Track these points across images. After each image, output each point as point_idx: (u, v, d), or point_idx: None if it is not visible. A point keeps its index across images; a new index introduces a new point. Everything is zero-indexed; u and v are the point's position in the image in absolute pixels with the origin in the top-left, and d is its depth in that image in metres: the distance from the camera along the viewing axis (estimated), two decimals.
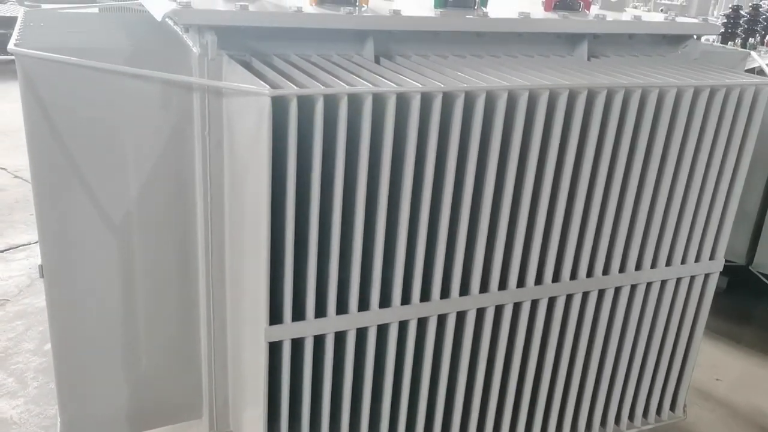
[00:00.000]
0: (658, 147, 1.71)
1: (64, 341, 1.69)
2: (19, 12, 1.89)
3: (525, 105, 1.51)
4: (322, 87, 1.33)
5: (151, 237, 1.70)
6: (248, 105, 1.38)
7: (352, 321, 1.53)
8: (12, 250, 3.59)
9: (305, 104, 1.33)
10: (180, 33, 1.67)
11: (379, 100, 1.38)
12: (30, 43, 1.48)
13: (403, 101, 1.40)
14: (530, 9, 1.94)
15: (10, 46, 1.45)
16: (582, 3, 1.96)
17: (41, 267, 1.63)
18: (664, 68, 1.82)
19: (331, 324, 1.51)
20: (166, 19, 1.49)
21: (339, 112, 1.35)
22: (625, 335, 1.94)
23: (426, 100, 1.42)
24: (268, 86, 1.29)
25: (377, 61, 1.68)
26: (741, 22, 3.54)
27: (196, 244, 1.73)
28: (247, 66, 1.50)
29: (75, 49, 1.48)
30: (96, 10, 2.69)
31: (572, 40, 1.91)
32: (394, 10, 1.63)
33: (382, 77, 1.48)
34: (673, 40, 2.04)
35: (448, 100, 1.44)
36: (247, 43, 1.59)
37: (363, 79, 1.44)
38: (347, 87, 1.35)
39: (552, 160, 1.60)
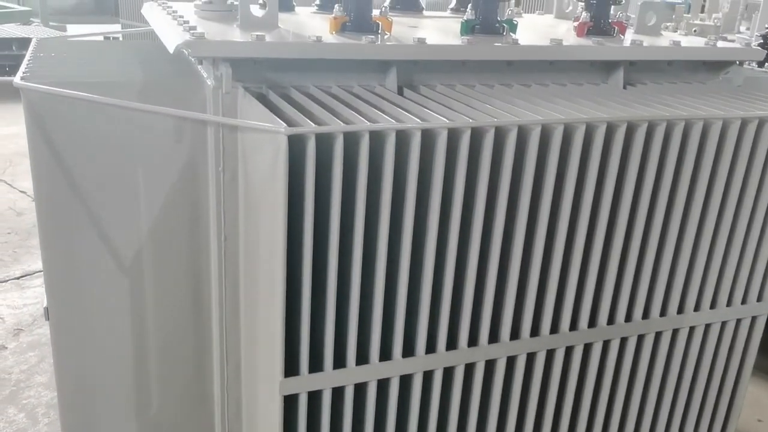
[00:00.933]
0: (702, 182, 1.59)
1: (71, 387, 1.61)
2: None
3: (560, 140, 1.40)
4: (342, 124, 1.23)
5: (163, 276, 1.61)
6: (264, 142, 1.29)
7: (373, 372, 1.42)
8: (28, 277, 3.55)
9: (324, 141, 1.24)
10: (194, 63, 1.59)
11: (402, 137, 1.29)
12: (37, 77, 1.42)
13: (428, 137, 1.30)
14: (562, 35, 1.84)
15: (16, 80, 1.38)
16: (616, 28, 1.86)
17: (47, 310, 1.55)
18: (707, 97, 1.71)
19: (351, 375, 1.40)
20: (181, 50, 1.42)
21: (360, 150, 1.26)
22: (666, 382, 1.81)
23: (453, 136, 1.32)
24: (284, 123, 1.20)
25: (400, 92, 1.59)
26: None
27: (209, 284, 1.64)
28: (264, 99, 1.42)
29: (83, 83, 1.41)
30: (117, 35, 2.64)
31: (607, 67, 1.80)
32: (418, 39, 1.54)
33: (407, 111, 1.38)
34: (713, 66, 1.93)
35: (476, 135, 1.34)
36: (264, 75, 1.51)
37: (386, 113, 1.35)
38: (369, 123, 1.25)
39: (588, 198, 1.49)
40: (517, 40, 1.63)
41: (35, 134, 1.40)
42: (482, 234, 1.42)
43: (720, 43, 1.85)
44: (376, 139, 1.27)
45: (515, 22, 1.74)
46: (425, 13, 2.18)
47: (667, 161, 1.53)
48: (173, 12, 1.71)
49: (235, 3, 1.78)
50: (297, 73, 1.53)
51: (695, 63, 1.90)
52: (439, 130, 1.30)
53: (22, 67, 1.51)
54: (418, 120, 1.29)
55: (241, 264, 1.58)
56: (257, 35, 1.42)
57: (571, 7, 2.31)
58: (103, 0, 12.86)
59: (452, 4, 2.29)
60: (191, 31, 1.38)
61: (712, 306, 1.76)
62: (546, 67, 1.75)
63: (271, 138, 1.23)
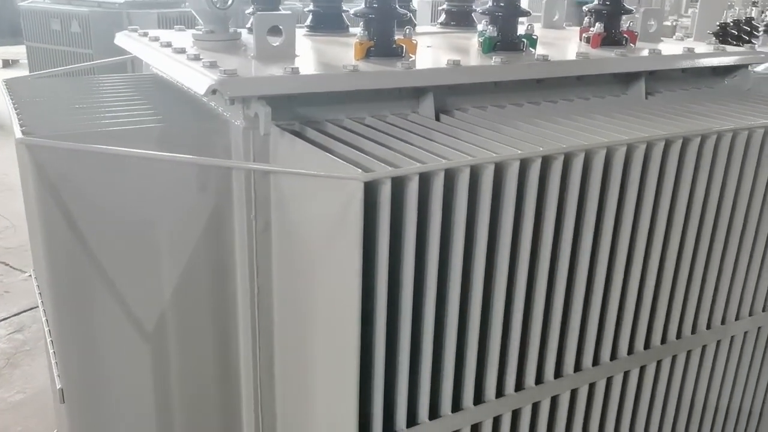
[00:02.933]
0: (744, 191, 1.57)
1: None
2: None
3: (602, 163, 1.32)
4: (418, 164, 1.12)
5: (187, 338, 1.44)
6: (323, 188, 1.16)
7: (446, 425, 1.31)
8: None
9: (395, 184, 1.12)
10: (207, 101, 1.43)
11: (474, 172, 1.18)
12: (39, 130, 1.23)
13: (498, 170, 1.21)
14: (578, 47, 1.79)
15: (19, 135, 1.19)
16: (628, 37, 1.83)
17: (61, 391, 1.36)
18: (732, 104, 1.69)
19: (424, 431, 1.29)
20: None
21: (433, 189, 1.14)
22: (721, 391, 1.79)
23: (523, 166, 1.23)
24: (358, 169, 1.07)
25: (437, 117, 1.48)
26: None
27: (237, 344, 1.48)
28: (303, 137, 1.28)
29: (94, 133, 1.24)
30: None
31: (626, 77, 1.76)
32: (453, 62, 1.44)
33: (461, 140, 1.28)
34: (720, 71, 1.92)
35: (543, 164, 1.26)
36: (296, 110, 1.37)
37: (440, 144, 1.25)
38: (443, 161, 1.14)
39: (647, 215, 1.43)
40: (546, 56, 1.56)
41: (45, 195, 1.22)
42: (550, 262, 1.34)
43: (729, 48, 1.85)
44: (447, 176, 1.16)
45: (534, 37, 1.67)
46: (417, 29, 2.08)
47: (715, 171, 1.50)
48: (171, 44, 1.54)
49: (238, 31, 1.63)
50: (329, 106, 1.40)
51: (703, 69, 1.89)
52: (510, 162, 1.20)
53: (13, 118, 1.31)
54: (493, 153, 1.19)
55: (276, 319, 1.44)
56: (291, 68, 1.28)
57: (558, 16, 2.27)
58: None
59: (441, 18, 2.20)
60: (220, 69, 1.23)
61: (751, 314, 1.75)
62: (572, 82, 1.69)
63: (339, 184, 1.10)
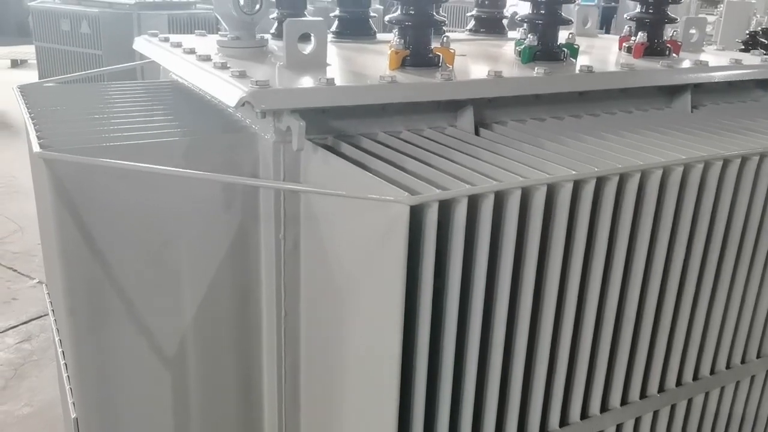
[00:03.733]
0: None
1: None
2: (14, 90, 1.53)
3: (657, 184, 1.24)
4: (467, 186, 1.03)
5: (210, 363, 1.36)
6: (363, 209, 1.07)
7: None
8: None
9: (442, 206, 1.03)
10: (234, 112, 1.35)
11: (525, 193, 1.10)
12: (59, 142, 1.15)
13: (549, 191, 1.12)
14: (618, 57, 1.71)
15: (36, 148, 1.11)
16: (671, 47, 1.74)
17: (76, 421, 1.27)
18: None
19: None
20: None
21: (482, 212, 1.06)
22: None
23: (576, 187, 1.14)
24: (403, 191, 0.99)
25: (476, 132, 1.40)
26: None
27: (261, 374, 1.40)
28: (338, 153, 1.20)
29: (116, 147, 1.16)
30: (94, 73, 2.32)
31: (671, 90, 1.67)
32: (495, 73, 1.35)
33: (507, 157, 1.20)
34: (764, 84, 1.83)
35: (597, 184, 1.17)
36: (329, 124, 1.28)
37: (485, 162, 1.17)
38: (494, 183, 1.06)
39: (701, 238, 1.34)
40: (590, 67, 1.47)
41: (62, 211, 1.13)
42: (601, 287, 1.25)
43: None
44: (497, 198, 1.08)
45: (576, 47, 1.59)
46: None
47: (755, 195, 1.41)
48: (194, 51, 1.46)
49: (265, 37, 1.55)
50: (362, 119, 1.32)
51: (749, 81, 1.80)
52: (563, 183, 1.12)
53: (30, 129, 1.23)
54: (545, 174, 1.11)
55: (303, 346, 1.35)
56: (326, 80, 1.20)
57: (590, 23, 2.18)
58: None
59: (470, 25, 2.12)
60: (251, 79, 1.15)
61: None
62: (614, 95, 1.60)
63: (382, 207, 1.01)
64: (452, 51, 1.43)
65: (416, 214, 1.00)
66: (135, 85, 1.66)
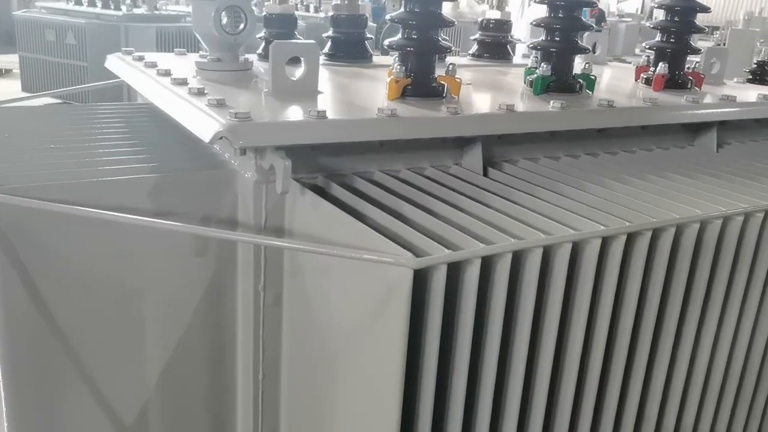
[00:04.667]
0: None
1: None
2: None
3: (693, 235, 1.09)
4: (480, 245, 0.87)
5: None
6: (358, 266, 0.91)
7: None
8: None
9: (450, 267, 0.87)
10: (214, 146, 1.19)
11: (547, 251, 0.94)
12: (6, 179, 0.98)
13: (575, 248, 0.97)
14: (630, 87, 1.57)
15: None
16: (693, 79, 1.60)
17: None
18: None
19: None
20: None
21: (497, 274, 0.90)
22: None
23: (605, 242, 0.98)
24: (406, 251, 0.83)
25: (485, 171, 1.24)
26: None
27: None
28: (329, 196, 1.04)
29: (70, 185, 0.99)
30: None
31: (695, 127, 1.53)
32: (507, 107, 1.20)
33: (522, 205, 1.04)
34: None
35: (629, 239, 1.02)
36: (319, 161, 1.13)
37: (498, 211, 1.01)
38: (512, 241, 0.90)
39: (738, 295, 1.19)
40: (611, 101, 1.32)
41: (3, 262, 0.97)
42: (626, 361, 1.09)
43: None
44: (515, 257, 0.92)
45: (593, 77, 1.44)
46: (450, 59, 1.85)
47: None
48: (170, 73, 1.30)
49: (250, 60, 1.39)
50: (357, 156, 1.16)
51: None
52: (592, 240, 0.96)
53: None
54: (570, 230, 0.95)
55: (283, 416, 1.18)
56: (317, 112, 1.04)
57: (600, 51, 2.04)
58: None
59: (473, 49, 1.97)
60: (231, 111, 0.99)
61: None
62: (634, 131, 1.45)
63: (381, 268, 0.85)
64: (458, 80, 1.28)
65: (420, 276, 0.84)
66: (106, 108, 1.49)
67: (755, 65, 2.83)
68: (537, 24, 1.42)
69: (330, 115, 1.05)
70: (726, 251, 1.12)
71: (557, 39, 1.41)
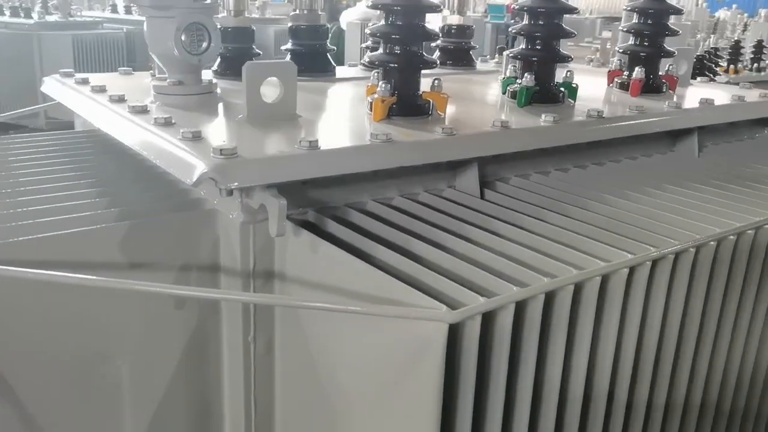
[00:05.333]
0: None
1: None
2: None
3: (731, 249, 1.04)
4: (515, 288, 0.79)
5: None
6: (375, 318, 0.81)
7: None
8: None
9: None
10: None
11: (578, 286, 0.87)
12: None
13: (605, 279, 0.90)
14: (605, 93, 1.53)
15: None
16: (666, 82, 1.57)
17: None
18: None
19: None
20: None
21: (529, 315, 0.82)
22: None
23: (633, 271, 0.92)
24: (442, 305, 0.73)
25: (481, 193, 1.16)
26: None
27: None
28: (326, 235, 0.93)
29: (24, 242, 0.85)
30: None
31: (675, 132, 1.49)
32: (501, 124, 1.13)
33: (539, 234, 0.97)
34: (761, 121, 1.69)
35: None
36: (308, 195, 1.02)
37: (518, 244, 0.93)
38: (546, 281, 0.82)
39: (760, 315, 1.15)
40: (600, 112, 1.26)
41: None
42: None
43: None
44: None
45: (574, 86, 1.38)
46: None
47: None
48: (124, 99, 1.16)
49: (214, 81, 1.26)
50: (349, 185, 1.06)
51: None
52: (620, 270, 0.89)
53: None
54: (600, 262, 0.88)
55: None
56: (308, 143, 0.93)
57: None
58: None
59: (435, 56, 1.89)
60: (213, 147, 0.86)
61: None
62: (618, 140, 1.40)
63: (409, 322, 0.76)
64: (444, 96, 1.19)
65: (451, 327, 0.75)
66: (40, 139, 1.32)
67: (694, 60, 2.87)
68: (516, 33, 1.35)
69: (323, 144, 0.94)
70: (738, 265, 1.08)
71: (537, 47, 1.34)
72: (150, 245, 0.95)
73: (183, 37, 1.14)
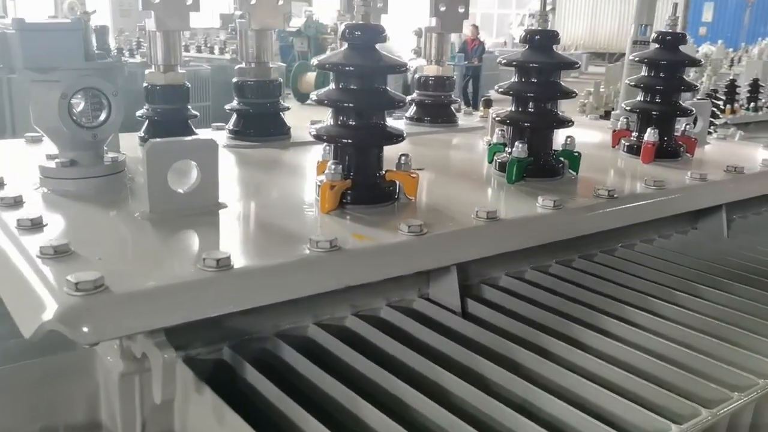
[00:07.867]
0: None
1: None
2: None
3: None
4: None
5: None
6: None
7: None
8: None
9: None
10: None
11: None
12: None
13: None
14: (615, 160, 1.28)
15: None
16: (684, 144, 1.32)
17: None
18: None
19: None
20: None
21: None
22: None
23: None
24: None
25: (463, 307, 0.89)
26: None
27: None
28: (235, 381, 0.66)
29: None
30: None
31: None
32: (487, 214, 0.86)
33: (552, 379, 0.70)
34: None
35: None
36: (222, 324, 0.74)
37: (524, 396, 0.67)
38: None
39: None
40: (612, 192, 1.00)
41: None
42: None
43: None
44: None
45: (576, 155, 1.13)
46: None
47: None
48: (1, 185, 0.89)
49: (121, 158, 1.00)
50: (283, 307, 0.78)
51: None
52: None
53: None
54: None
55: None
56: (216, 261, 0.66)
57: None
58: None
59: (410, 112, 1.64)
60: (69, 279, 0.59)
61: None
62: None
63: None
64: (414, 176, 0.93)
65: None
66: None
67: None
68: (504, 92, 1.10)
69: (237, 261, 0.67)
70: None
71: (530, 110, 1.09)
72: (9, 398, 0.68)
73: (74, 107, 0.88)
